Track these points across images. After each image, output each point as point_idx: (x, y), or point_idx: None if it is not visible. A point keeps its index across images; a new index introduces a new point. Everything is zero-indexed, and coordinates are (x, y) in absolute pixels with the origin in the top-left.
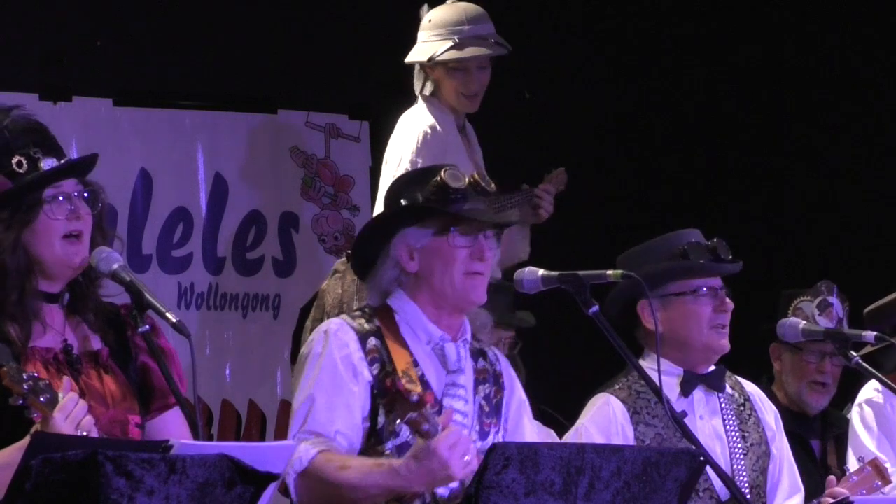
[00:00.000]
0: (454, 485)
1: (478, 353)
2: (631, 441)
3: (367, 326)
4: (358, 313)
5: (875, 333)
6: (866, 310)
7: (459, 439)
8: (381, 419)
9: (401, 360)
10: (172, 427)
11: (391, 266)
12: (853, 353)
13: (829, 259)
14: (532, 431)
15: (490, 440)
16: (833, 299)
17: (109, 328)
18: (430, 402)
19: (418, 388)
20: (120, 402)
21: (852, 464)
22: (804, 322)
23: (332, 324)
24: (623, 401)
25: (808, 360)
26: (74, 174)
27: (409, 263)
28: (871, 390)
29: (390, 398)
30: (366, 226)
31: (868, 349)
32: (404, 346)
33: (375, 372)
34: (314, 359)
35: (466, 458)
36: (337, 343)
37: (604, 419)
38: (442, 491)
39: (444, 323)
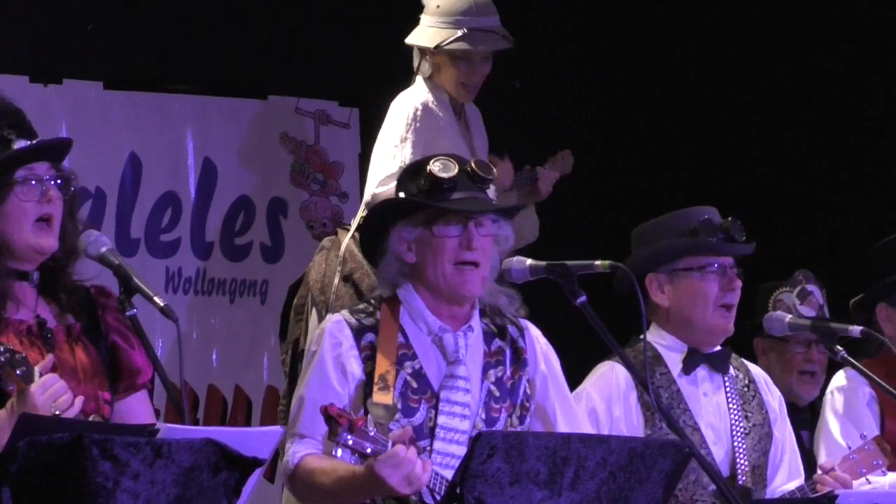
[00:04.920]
0: None
1: (495, 334)
2: (633, 407)
3: (365, 322)
4: (362, 307)
5: (861, 328)
6: (852, 302)
7: (403, 460)
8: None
9: (383, 363)
10: (138, 409)
11: (392, 259)
12: (839, 347)
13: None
14: (560, 409)
15: (498, 427)
16: (812, 287)
17: (80, 308)
18: (361, 424)
19: (388, 399)
20: (91, 378)
21: (821, 453)
22: (790, 315)
23: (331, 320)
24: (629, 369)
25: (794, 351)
26: (47, 157)
27: (407, 255)
28: (841, 378)
29: (329, 422)
30: (364, 220)
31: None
32: (401, 340)
33: (369, 370)
34: (309, 358)
35: (411, 477)
36: (331, 341)
37: (606, 385)
38: None
39: (446, 313)
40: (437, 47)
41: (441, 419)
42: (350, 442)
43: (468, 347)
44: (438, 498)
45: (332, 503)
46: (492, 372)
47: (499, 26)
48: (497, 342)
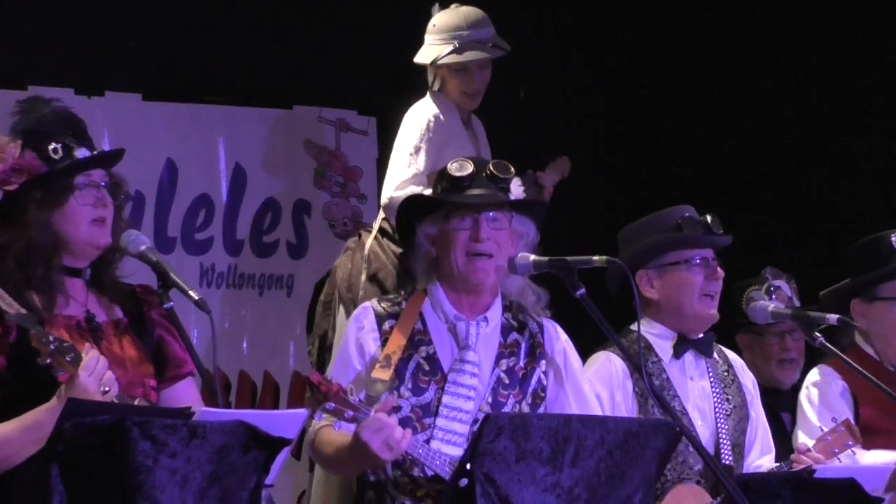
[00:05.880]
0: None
1: (514, 328)
2: (629, 394)
3: (389, 310)
4: (392, 296)
5: (838, 316)
6: (822, 293)
7: (383, 426)
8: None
9: (392, 345)
10: (185, 395)
11: (421, 257)
12: (818, 333)
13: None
14: (574, 400)
15: (505, 410)
16: (779, 282)
17: (127, 304)
18: (337, 391)
19: (385, 375)
20: (138, 366)
21: (803, 438)
22: (772, 305)
23: (360, 307)
24: (623, 359)
25: (770, 342)
26: (103, 165)
27: (431, 249)
28: (815, 374)
29: (311, 389)
30: (396, 221)
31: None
32: (419, 327)
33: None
34: (340, 341)
35: (390, 442)
36: (355, 325)
37: (606, 374)
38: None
39: (465, 303)
40: (433, 62)
41: (446, 398)
42: (331, 408)
43: (481, 336)
44: (430, 471)
45: (336, 471)
46: (504, 361)
47: (491, 37)
48: (514, 335)
